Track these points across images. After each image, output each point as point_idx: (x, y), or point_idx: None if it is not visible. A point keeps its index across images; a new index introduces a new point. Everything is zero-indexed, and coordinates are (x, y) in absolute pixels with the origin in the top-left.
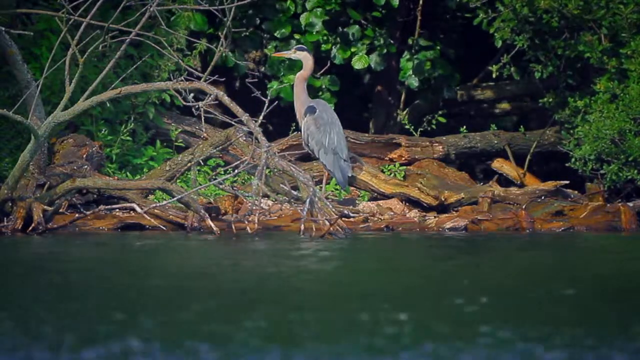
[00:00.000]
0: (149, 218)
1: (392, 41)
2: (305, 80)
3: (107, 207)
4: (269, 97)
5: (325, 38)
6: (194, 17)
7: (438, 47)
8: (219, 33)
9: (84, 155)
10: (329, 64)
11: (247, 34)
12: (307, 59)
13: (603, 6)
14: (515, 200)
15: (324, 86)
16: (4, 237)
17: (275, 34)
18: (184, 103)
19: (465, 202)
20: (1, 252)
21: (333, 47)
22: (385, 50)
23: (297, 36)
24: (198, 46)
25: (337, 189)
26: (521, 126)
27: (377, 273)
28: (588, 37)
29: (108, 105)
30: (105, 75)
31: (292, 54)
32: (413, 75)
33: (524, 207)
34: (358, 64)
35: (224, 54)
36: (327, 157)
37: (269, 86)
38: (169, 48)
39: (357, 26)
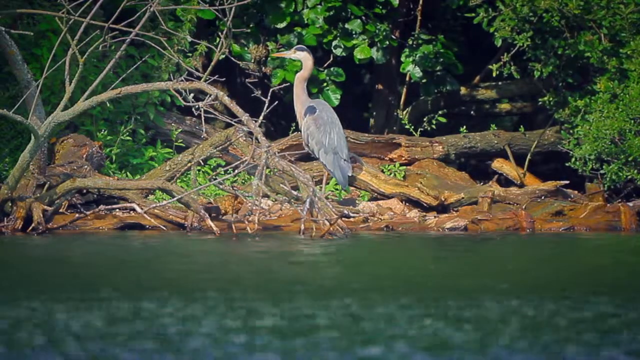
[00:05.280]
0: (149, 218)
1: (393, 37)
2: (305, 80)
3: (107, 207)
4: (273, 86)
5: (327, 31)
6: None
7: (440, 42)
8: (219, 33)
9: (84, 155)
10: (331, 59)
11: (249, 31)
12: (306, 59)
13: (603, 6)
14: (515, 200)
15: (328, 78)
16: (4, 237)
17: (276, 25)
18: (184, 103)
19: (465, 202)
20: (1, 252)
21: (335, 39)
22: (387, 43)
23: (298, 29)
24: (199, 47)
25: (337, 189)
26: (521, 126)
27: (377, 273)
28: (588, 36)
29: (108, 105)
30: (106, 76)
31: (292, 54)
32: (415, 66)
33: (524, 207)
34: (360, 54)
35: (224, 53)
36: (327, 157)
37: (273, 73)
38: (170, 49)
39: (358, 20)
